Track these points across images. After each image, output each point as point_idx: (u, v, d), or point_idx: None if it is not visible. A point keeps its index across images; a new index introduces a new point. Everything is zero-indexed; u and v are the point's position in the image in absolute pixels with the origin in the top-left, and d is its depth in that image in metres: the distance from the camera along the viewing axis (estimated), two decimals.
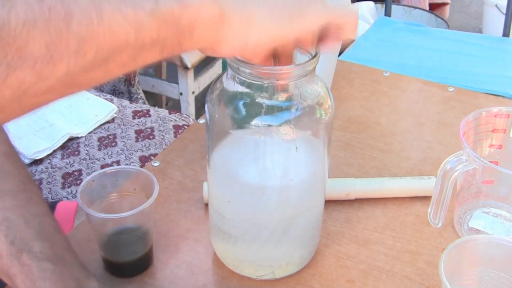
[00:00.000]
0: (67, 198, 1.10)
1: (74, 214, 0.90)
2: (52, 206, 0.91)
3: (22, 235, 0.58)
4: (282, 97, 0.52)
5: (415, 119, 0.92)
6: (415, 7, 2.36)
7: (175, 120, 1.32)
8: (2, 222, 0.58)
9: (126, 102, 1.38)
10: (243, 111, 0.53)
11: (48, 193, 1.12)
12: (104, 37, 0.36)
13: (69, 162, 1.18)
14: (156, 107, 1.39)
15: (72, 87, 0.38)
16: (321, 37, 0.49)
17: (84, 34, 0.35)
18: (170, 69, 2.15)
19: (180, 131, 1.28)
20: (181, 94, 1.93)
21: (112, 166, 1.16)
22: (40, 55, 0.34)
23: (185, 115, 1.35)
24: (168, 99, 2.24)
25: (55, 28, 0.34)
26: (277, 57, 0.51)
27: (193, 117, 1.89)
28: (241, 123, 0.53)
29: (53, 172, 1.16)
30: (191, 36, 0.41)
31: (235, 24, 0.42)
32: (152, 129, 1.28)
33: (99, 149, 1.22)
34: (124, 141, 1.24)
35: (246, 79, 0.51)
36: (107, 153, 1.21)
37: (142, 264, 0.65)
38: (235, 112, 0.54)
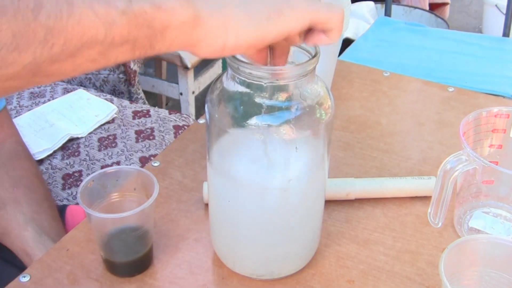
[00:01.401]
0: (68, 200, 1.10)
1: (83, 218, 0.90)
2: (62, 210, 0.91)
3: (47, 232, 0.80)
4: (282, 97, 0.52)
5: (415, 119, 0.92)
6: (415, 7, 2.36)
7: (175, 120, 1.32)
8: (32, 221, 0.80)
9: (126, 102, 1.38)
10: (243, 111, 0.53)
11: None
12: (72, 32, 0.37)
13: (69, 163, 1.18)
14: (156, 107, 1.39)
15: (39, 77, 0.39)
16: (308, 32, 0.48)
17: (52, 26, 0.36)
18: (170, 69, 2.15)
19: (180, 131, 1.28)
20: (181, 94, 1.93)
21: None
22: (6, 42, 0.35)
23: (185, 115, 1.35)
24: (168, 99, 2.24)
25: (22, 18, 0.35)
26: (272, 50, 0.51)
27: (193, 117, 1.89)
28: (241, 123, 0.53)
29: (53, 173, 1.16)
30: (163, 38, 0.41)
31: (211, 28, 0.42)
32: (152, 129, 1.28)
33: (99, 150, 1.22)
34: (124, 142, 1.24)
35: (246, 79, 0.51)
36: (107, 154, 1.21)
37: (142, 264, 0.65)
38: (235, 112, 0.54)
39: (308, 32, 0.48)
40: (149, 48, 0.41)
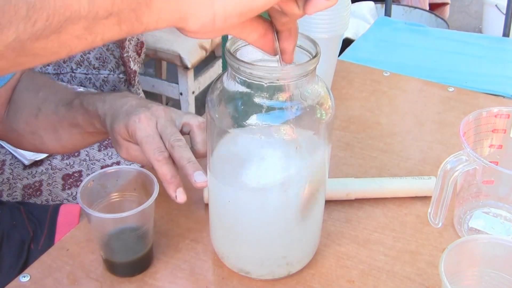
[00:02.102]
0: (68, 200, 1.10)
1: (78, 217, 0.90)
2: (55, 209, 0.91)
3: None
4: (282, 97, 0.52)
5: (415, 119, 0.92)
6: (415, 7, 2.36)
7: None
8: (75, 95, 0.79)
9: None
10: (243, 111, 0.53)
11: (49, 195, 1.12)
12: (54, 6, 0.36)
13: (69, 163, 1.18)
14: None
15: (24, 56, 0.38)
16: (305, 2, 0.46)
17: (34, 1, 0.35)
18: (170, 69, 2.15)
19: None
20: (181, 94, 1.94)
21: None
22: None
23: None
24: (168, 99, 2.24)
25: None
26: (278, 33, 0.49)
27: None
28: (241, 123, 0.53)
29: (53, 173, 1.16)
30: (149, 9, 0.40)
31: None
32: None
33: (99, 150, 1.22)
34: None
35: (246, 79, 0.51)
36: (107, 154, 1.21)
37: (142, 264, 0.65)
38: (235, 112, 0.54)
39: (306, 1, 0.46)
40: (136, 21, 0.40)
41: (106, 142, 1.24)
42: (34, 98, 0.82)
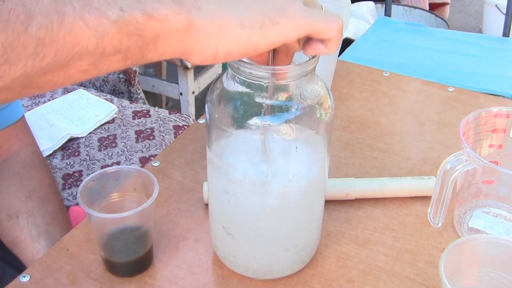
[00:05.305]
0: (68, 200, 1.10)
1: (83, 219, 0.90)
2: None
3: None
4: (282, 97, 0.52)
5: (415, 119, 0.92)
6: (415, 7, 2.36)
7: (175, 120, 1.32)
8: (45, 233, 0.79)
9: (126, 102, 1.38)
10: (243, 111, 0.53)
11: None
12: (63, 42, 0.36)
13: (69, 163, 1.18)
14: (156, 107, 1.40)
15: (30, 88, 0.38)
16: (306, 41, 0.47)
17: (43, 37, 0.35)
18: (170, 69, 2.15)
19: (180, 131, 1.28)
20: (181, 94, 1.94)
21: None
22: None
23: (185, 116, 1.35)
24: (168, 99, 2.24)
25: (12, 30, 0.34)
26: (274, 53, 0.50)
27: (193, 117, 1.89)
28: (241, 123, 0.53)
29: (54, 173, 1.16)
30: (155, 47, 0.40)
31: (203, 36, 0.41)
32: (152, 129, 1.28)
33: (99, 150, 1.22)
34: (124, 142, 1.24)
35: (246, 79, 0.51)
36: (107, 154, 1.21)
37: (142, 264, 0.65)
38: (235, 112, 0.54)
39: (307, 40, 0.48)
40: (141, 57, 0.40)
41: (106, 142, 1.24)
42: (17, 200, 0.82)
